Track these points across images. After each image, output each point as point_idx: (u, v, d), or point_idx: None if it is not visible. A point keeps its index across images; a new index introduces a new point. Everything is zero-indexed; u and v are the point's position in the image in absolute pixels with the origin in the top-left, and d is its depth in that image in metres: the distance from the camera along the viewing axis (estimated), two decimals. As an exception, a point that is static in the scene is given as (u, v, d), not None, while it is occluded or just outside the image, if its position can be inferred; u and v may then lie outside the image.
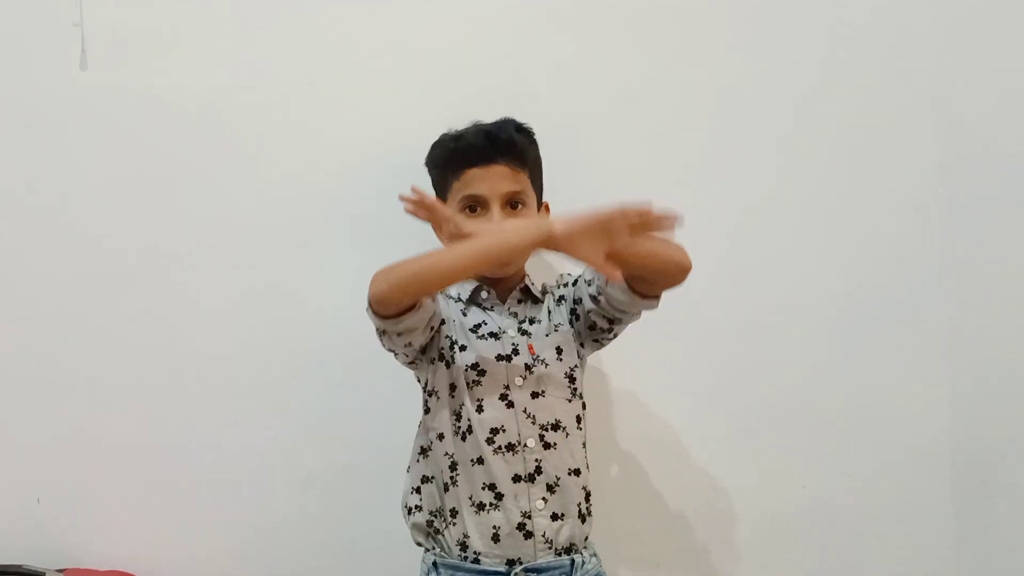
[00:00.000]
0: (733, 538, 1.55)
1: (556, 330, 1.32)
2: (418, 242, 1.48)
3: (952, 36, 1.59)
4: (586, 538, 1.27)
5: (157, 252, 1.50)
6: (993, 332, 1.53)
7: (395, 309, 1.17)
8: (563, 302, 1.35)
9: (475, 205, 1.30)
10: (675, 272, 1.21)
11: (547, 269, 1.45)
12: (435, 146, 1.37)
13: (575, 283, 1.35)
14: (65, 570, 1.39)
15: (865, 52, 1.61)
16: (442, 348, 1.28)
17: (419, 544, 1.28)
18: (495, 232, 1.22)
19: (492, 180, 1.29)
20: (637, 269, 1.19)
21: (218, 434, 1.49)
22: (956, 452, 1.57)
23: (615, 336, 1.33)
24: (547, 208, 1.39)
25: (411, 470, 1.30)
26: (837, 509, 1.56)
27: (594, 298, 1.28)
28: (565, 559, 1.23)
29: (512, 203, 1.31)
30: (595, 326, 1.31)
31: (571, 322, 1.33)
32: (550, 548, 1.22)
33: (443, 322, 1.29)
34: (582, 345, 1.33)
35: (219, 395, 1.49)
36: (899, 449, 1.57)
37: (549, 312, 1.34)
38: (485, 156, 1.29)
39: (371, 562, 1.49)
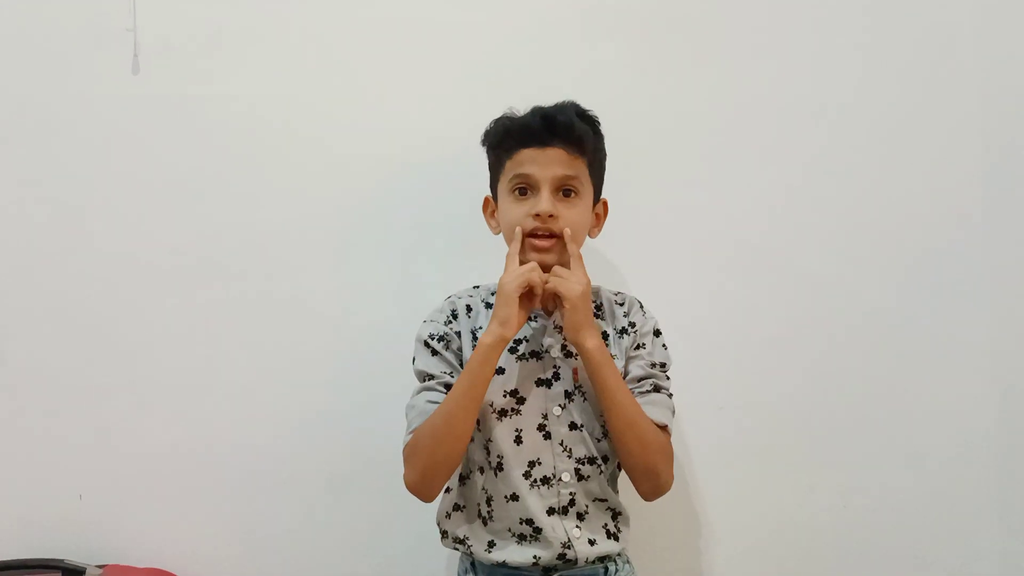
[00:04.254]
0: (773, 550, 1.54)
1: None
2: (448, 250, 1.51)
3: (998, 36, 1.56)
4: (619, 552, 1.26)
5: (200, 256, 1.52)
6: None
7: (438, 492, 1.20)
8: (624, 335, 1.28)
9: (524, 187, 1.23)
10: (644, 471, 1.21)
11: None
12: (492, 125, 1.30)
13: (637, 347, 1.28)
14: (105, 566, 1.40)
15: (907, 53, 1.59)
16: None
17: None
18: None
19: (545, 162, 1.22)
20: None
21: (253, 435, 1.51)
22: (1002, 457, 1.54)
23: None
24: (605, 205, 1.33)
25: (449, 491, 1.26)
26: (879, 521, 1.54)
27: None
28: (599, 566, 1.23)
29: (564, 190, 1.24)
30: None
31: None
32: (587, 562, 1.22)
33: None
34: None
35: (254, 398, 1.51)
36: (943, 459, 1.55)
37: (606, 338, 1.26)
38: (540, 137, 1.23)
39: (402, 559, 1.50)
